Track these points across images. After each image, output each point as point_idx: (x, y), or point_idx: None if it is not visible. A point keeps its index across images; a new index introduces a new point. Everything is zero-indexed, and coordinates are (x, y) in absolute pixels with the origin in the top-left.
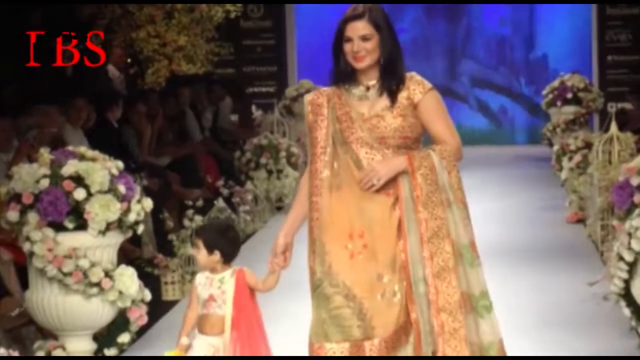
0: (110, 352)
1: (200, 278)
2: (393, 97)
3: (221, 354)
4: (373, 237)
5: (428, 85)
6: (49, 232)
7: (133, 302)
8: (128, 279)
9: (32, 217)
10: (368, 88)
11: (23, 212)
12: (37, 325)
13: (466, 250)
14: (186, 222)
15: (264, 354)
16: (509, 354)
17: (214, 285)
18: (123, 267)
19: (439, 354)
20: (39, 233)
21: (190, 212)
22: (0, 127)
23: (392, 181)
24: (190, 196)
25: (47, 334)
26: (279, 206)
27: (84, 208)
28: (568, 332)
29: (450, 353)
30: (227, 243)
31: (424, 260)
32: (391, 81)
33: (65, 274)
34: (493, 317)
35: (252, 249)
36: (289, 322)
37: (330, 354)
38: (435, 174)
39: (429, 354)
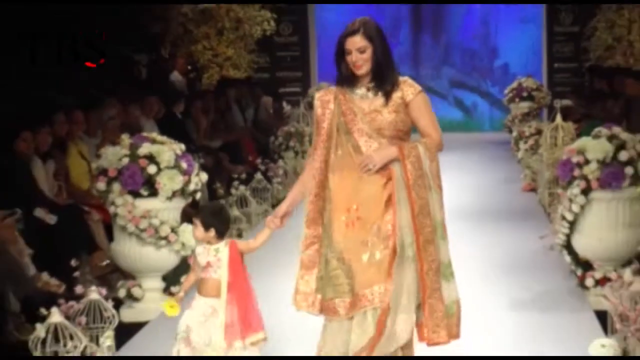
0: (175, 289)
1: (199, 248)
2: (388, 96)
3: (218, 314)
4: (365, 211)
5: (418, 88)
6: (129, 198)
7: (192, 251)
8: (189, 234)
9: (116, 187)
10: (368, 89)
11: (109, 183)
12: (120, 270)
13: (439, 226)
14: (233, 191)
15: (254, 313)
16: (480, 292)
17: (210, 254)
18: (185, 225)
19: (423, 308)
20: (121, 199)
21: (236, 183)
22: (91, 118)
23: (384, 166)
24: (236, 171)
25: (127, 276)
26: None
27: (155, 180)
28: (524, 274)
29: (429, 309)
30: (220, 222)
31: (413, 232)
32: (383, 83)
33: (141, 230)
34: (454, 282)
35: None
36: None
37: (335, 306)
38: (421, 162)
39: (415, 306)
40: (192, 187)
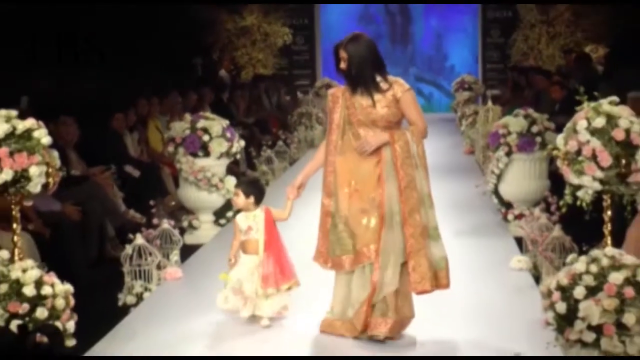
0: (222, 221)
1: (240, 216)
2: (374, 94)
3: (259, 268)
4: (362, 185)
5: (407, 86)
6: (189, 157)
7: (234, 195)
8: (232, 183)
9: (181, 150)
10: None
11: (176, 148)
12: (184, 208)
13: (427, 197)
14: (262, 153)
15: (287, 265)
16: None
17: (249, 218)
18: (229, 177)
19: (409, 264)
20: (185, 158)
21: (264, 147)
22: (164, 102)
23: (377, 149)
24: (264, 139)
25: (189, 211)
26: (311, 145)
27: (208, 145)
28: (464, 211)
29: (413, 264)
30: (257, 191)
31: (400, 202)
32: (364, 85)
33: (198, 180)
34: (441, 242)
35: (298, 168)
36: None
37: (342, 261)
38: (408, 145)
39: (400, 263)
40: (234, 150)
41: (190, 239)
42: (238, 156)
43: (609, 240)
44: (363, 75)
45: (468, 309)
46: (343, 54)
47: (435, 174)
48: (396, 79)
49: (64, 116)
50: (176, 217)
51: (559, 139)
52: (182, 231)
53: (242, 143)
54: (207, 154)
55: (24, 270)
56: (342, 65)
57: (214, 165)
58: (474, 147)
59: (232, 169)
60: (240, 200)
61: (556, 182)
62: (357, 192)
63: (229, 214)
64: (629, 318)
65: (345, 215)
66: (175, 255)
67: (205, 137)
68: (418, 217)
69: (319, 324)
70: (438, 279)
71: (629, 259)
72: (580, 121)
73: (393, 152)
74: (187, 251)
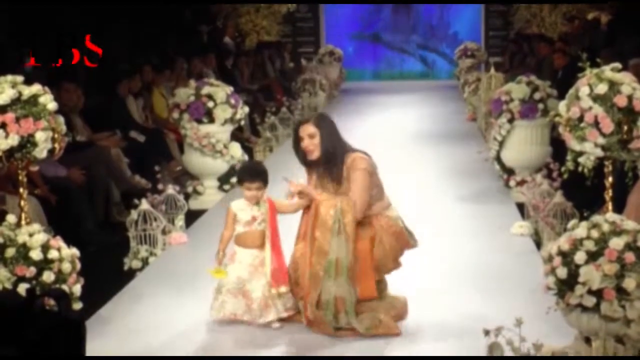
0: (226, 187)
1: (240, 205)
2: (337, 180)
3: (265, 262)
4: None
5: (361, 165)
6: (194, 124)
7: (238, 160)
8: (236, 149)
9: (185, 116)
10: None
11: (181, 114)
12: (188, 173)
13: (343, 268)
14: (266, 119)
15: (284, 264)
16: (435, 190)
17: (254, 208)
18: (233, 142)
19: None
20: (189, 124)
21: (268, 114)
22: (169, 68)
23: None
24: (268, 105)
25: (193, 177)
26: (315, 111)
27: (213, 111)
28: (466, 177)
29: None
30: (265, 177)
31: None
32: (331, 168)
33: (203, 146)
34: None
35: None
36: None
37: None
38: (334, 210)
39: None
40: (238, 116)
41: (194, 204)
42: (242, 122)
43: (610, 206)
44: (336, 152)
45: (469, 274)
46: (308, 129)
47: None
48: (354, 156)
49: (66, 83)
50: (181, 182)
51: (561, 106)
52: (187, 197)
53: (246, 109)
54: (211, 120)
55: (31, 235)
56: (305, 142)
57: (219, 131)
58: (477, 114)
59: (237, 135)
60: (252, 193)
61: (558, 148)
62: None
63: (233, 179)
64: (629, 283)
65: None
66: (180, 221)
67: (210, 104)
68: (316, 291)
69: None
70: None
71: (629, 224)
72: (582, 88)
73: (314, 210)
74: (192, 216)
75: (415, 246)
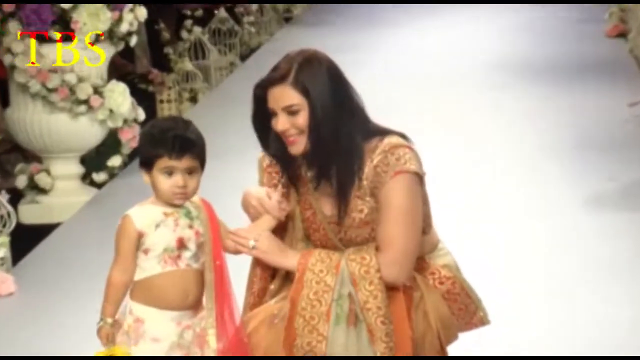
0: (100, 176)
1: (145, 215)
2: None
3: (204, 340)
4: None
5: (409, 167)
6: (32, 43)
7: (125, 121)
8: (119, 96)
9: (13, 26)
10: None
11: (3, 22)
12: (19, 149)
13: None
14: (184, 34)
15: (243, 334)
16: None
17: (180, 222)
18: (114, 82)
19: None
20: (21, 44)
21: (188, 22)
22: None
23: None
24: (188, 5)
25: (29, 156)
26: (287, 17)
27: (71, 17)
28: (606, 155)
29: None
30: (202, 154)
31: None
32: (334, 171)
33: (50, 90)
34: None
35: (256, 63)
36: None
37: None
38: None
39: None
40: (124, 28)
41: (32, 213)
42: (133, 41)
43: None
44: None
45: None
46: (287, 96)
47: (550, 75)
48: (387, 142)
49: None
50: (3, 167)
51: None
52: (17, 197)
53: (143, 13)
54: (68, 36)
55: None
56: (280, 124)
57: (84, 60)
58: (627, 22)
59: (121, 68)
60: (176, 183)
61: None
62: None
63: (115, 161)
64: None
65: None
66: (0, 248)
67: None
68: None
69: None
70: None
71: None
72: None
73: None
74: (27, 239)
75: (486, 323)
